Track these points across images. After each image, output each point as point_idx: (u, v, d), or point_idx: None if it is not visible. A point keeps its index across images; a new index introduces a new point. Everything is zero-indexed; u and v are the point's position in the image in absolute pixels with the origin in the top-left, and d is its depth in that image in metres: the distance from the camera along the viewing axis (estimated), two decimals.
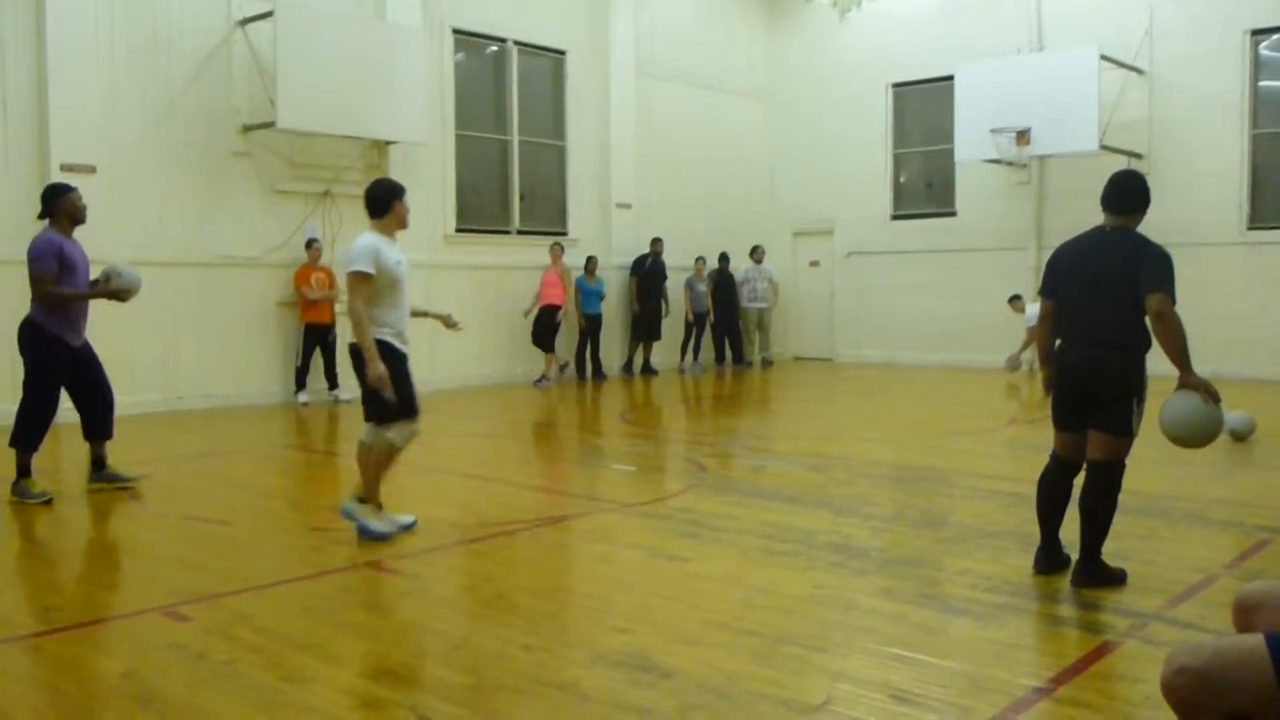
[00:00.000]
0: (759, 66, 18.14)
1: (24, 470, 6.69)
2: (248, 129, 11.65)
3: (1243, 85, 13.66)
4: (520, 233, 14.51)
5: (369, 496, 5.62)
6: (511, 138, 14.55)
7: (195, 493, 7.16)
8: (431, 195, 13.40)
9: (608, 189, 15.56)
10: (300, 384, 11.98)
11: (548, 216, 15.12)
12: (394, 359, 5.51)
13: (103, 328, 10.50)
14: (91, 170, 10.43)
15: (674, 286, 15.80)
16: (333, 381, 12.12)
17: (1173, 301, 4.40)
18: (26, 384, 6.73)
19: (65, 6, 10.27)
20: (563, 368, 14.51)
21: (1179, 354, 4.40)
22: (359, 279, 5.42)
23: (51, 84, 10.22)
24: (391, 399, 5.44)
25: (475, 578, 5.11)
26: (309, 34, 11.45)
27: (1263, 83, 13.69)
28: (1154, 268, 4.46)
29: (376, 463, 5.61)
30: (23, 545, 5.77)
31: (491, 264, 14.13)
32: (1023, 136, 14.16)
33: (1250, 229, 13.74)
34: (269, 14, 11.24)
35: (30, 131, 10.25)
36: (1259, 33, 13.58)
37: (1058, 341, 4.85)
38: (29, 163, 10.23)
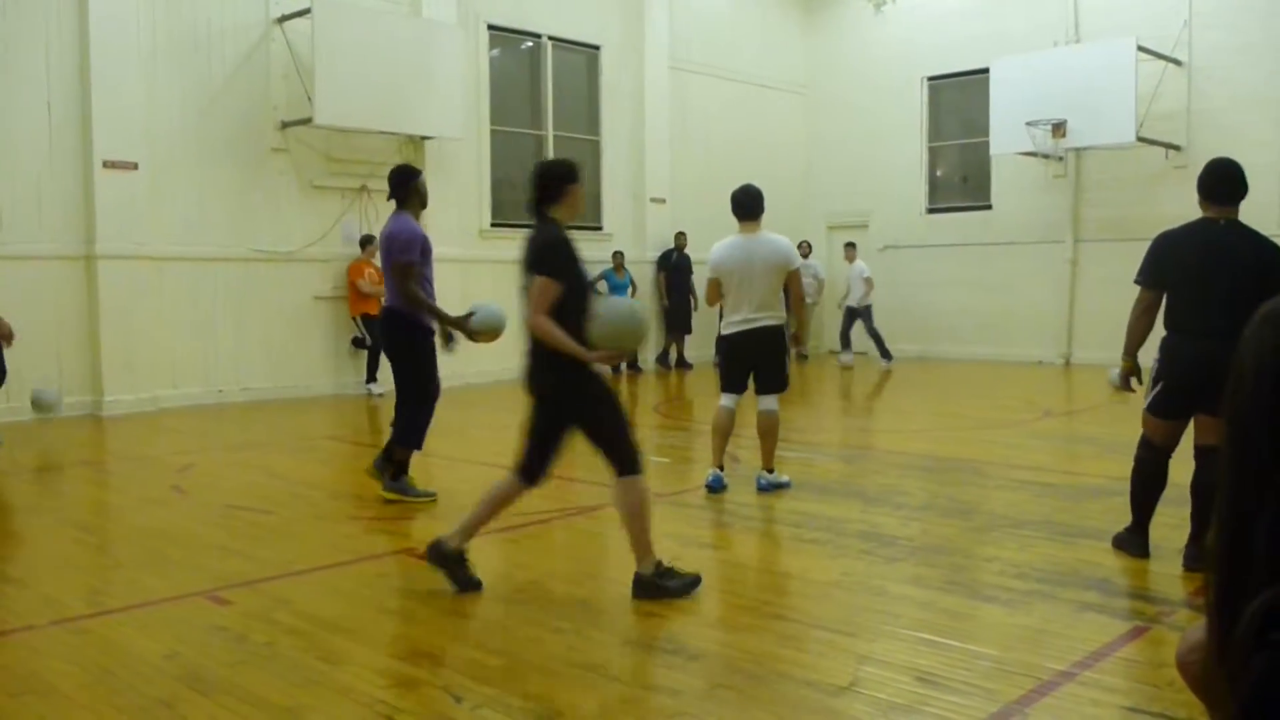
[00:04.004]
0: (794, 60, 18.10)
1: (404, 467, 6.38)
2: (286, 125, 11.83)
3: None
4: None
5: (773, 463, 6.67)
6: (546, 133, 14.64)
7: (236, 482, 7.29)
8: (466, 190, 13.53)
9: (642, 184, 15.62)
10: (371, 375, 12.18)
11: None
12: None
13: (144, 324, 10.78)
14: (134, 166, 10.66)
15: (699, 280, 15.80)
16: (371, 375, 12.26)
17: None
18: (413, 379, 6.30)
19: (107, 6, 10.48)
20: None
21: None
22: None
23: (94, 82, 10.44)
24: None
25: (509, 565, 5.18)
26: (346, 31, 11.61)
27: None
28: None
29: (777, 429, 6.60)
30: (71, 532, 5.92)
31: None
32: (1059, 129, 14.05)
33: None
34: (307, 11, 11.41)
35: (74, 129, 10.46)
36: None
37: (1169, 333, 4.78)
38: (73, 160, 10.46)
